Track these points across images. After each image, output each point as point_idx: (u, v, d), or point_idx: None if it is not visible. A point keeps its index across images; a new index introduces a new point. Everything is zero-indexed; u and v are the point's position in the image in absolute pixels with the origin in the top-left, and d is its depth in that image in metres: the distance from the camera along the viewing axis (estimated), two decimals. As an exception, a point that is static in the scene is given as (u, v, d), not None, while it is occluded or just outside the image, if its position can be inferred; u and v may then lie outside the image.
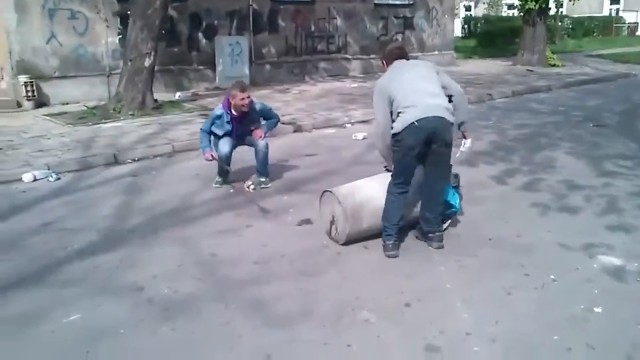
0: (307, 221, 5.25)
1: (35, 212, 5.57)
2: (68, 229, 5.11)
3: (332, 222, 4.81)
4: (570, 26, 35.40)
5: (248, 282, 4.07)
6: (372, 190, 4.75)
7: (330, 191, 4.81)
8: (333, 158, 7.58)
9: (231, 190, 6.20)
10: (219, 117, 6.02)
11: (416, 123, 4.21)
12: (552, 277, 4.09)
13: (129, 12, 10.66)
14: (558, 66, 18.30)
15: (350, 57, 16.46)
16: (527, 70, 17.20)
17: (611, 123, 9.76)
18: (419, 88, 4.36)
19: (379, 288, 3.96)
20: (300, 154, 7.70)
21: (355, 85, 14.12)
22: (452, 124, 4.38)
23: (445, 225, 4.87)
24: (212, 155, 5.99)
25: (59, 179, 6.62)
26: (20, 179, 6.52)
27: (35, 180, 6.50)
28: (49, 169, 6.75)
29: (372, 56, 16.32)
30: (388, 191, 4.55)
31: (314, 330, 3.43)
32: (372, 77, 15.39)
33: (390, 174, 4.61)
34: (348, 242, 4.67)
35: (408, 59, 4.71)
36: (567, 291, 3.91)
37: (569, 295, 3.85)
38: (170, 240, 4.87)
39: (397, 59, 4.63)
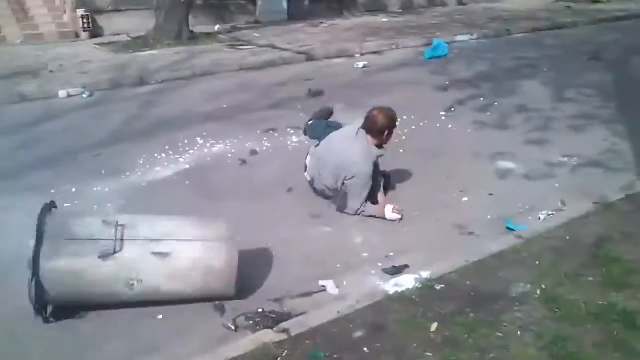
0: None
1: (66, 120, 6.94)
2: (84, 131, 6.47)
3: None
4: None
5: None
6: None
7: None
8: (327, 82, 8.45)
9: None
10: None
11: None
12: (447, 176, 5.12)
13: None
14: (603, 2, 18.02)
15: (388, -8, 16.92)
16: (566, 7, 17.10)
17: (610, 57, 10.04)
18: None
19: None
20: (301, 79, 8.71)
21: (385, 19, 14.75)
22: None
23: None
24: None
25: (91, 95, 7.95)
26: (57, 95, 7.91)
27: (69, 96, 7.85)
28: (84, 88, 8.08)
29: (411, -10, 16.77)
30: None
31: None
32: (409, 12, 16.04)
33: None
34: None
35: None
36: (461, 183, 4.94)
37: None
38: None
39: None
